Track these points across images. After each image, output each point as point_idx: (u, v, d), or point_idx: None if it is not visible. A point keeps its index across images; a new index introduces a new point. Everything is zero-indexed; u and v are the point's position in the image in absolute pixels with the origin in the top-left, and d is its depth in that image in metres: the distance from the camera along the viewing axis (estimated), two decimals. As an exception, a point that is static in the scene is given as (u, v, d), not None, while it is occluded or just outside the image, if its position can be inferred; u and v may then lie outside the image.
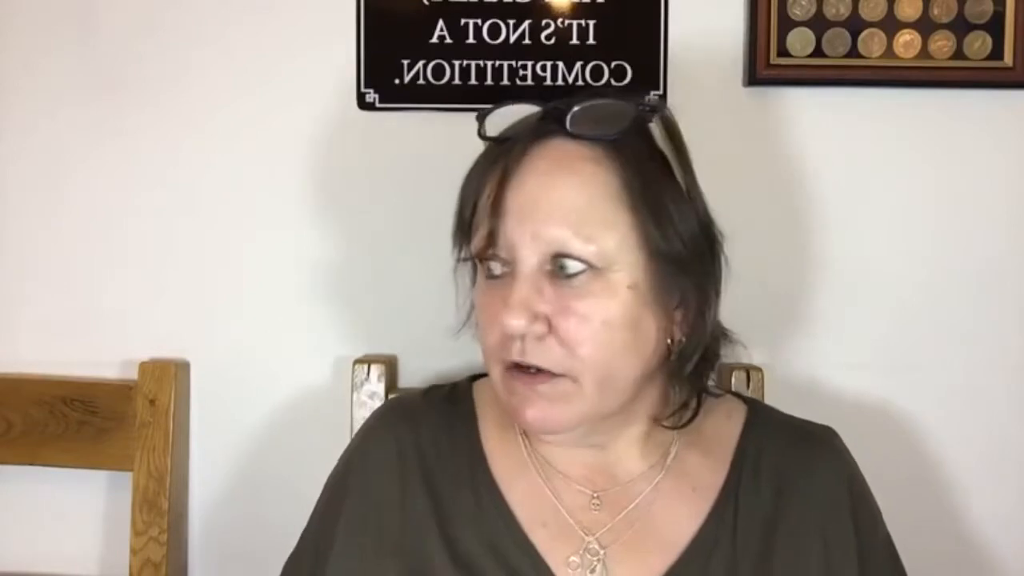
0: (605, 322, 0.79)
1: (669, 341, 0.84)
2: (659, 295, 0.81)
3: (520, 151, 0.82)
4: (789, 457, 0.89)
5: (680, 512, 0.85)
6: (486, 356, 0.85)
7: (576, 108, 0.81)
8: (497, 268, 0.82)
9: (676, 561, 0.83)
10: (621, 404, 0.83)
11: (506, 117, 0.86)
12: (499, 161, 0.82)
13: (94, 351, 1.25)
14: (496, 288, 0.82)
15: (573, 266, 0.79)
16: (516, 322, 0.78)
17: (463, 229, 0.86)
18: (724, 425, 0.91)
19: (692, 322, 0.84)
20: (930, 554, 1.19)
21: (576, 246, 0.78)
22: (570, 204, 0.79)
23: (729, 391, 1.01)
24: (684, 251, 0.82)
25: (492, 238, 0.81)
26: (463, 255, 0.88)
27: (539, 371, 0.80)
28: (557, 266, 0.79)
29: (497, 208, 0.80)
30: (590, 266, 0.79)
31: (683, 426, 0.87)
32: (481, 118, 0.86)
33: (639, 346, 0.81)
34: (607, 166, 0.80)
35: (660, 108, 0.85)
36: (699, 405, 0.87)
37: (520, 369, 0.81)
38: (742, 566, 0.83)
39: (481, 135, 0.86)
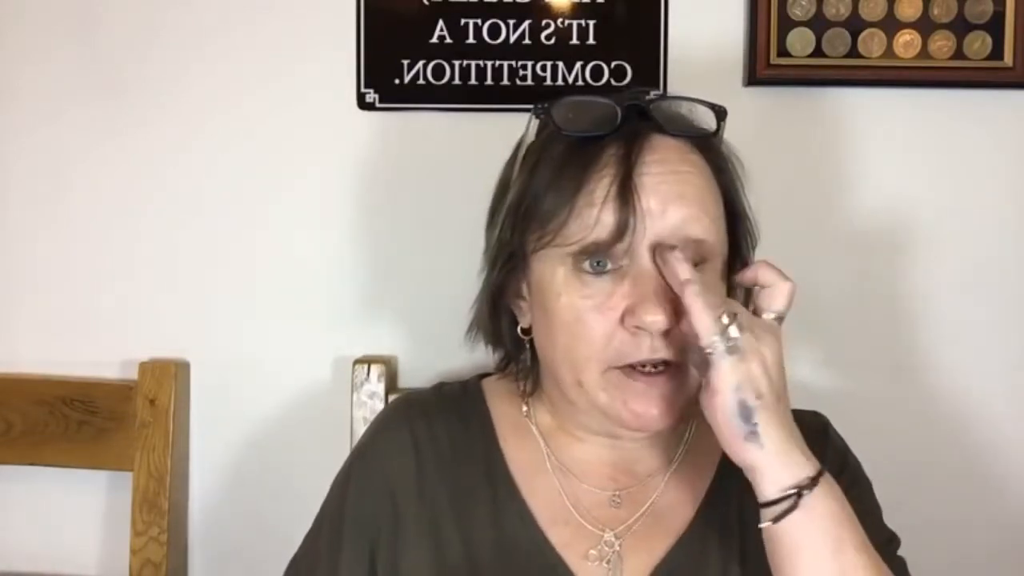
0: None
1: None
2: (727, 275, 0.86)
3: (629, 144, 0.80)
4: None
5: (685, 497, 0.88)
6: (578, 358, 0.80)
7: (661, 108, 0.83)
8: (607, 264, 0.79)
9: (675, 543, 0.85)
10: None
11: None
12: (602, 157, 0.80)
13: (94, 351, 1.25)
14: (603, 284, 0.79)
15: (693, 249, 0.79)
16: (659, 317, 0.76)
17: (551, 224, 0.81)
18: None
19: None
20: (929, 552, 1.19)
21: (702, 226, 0.80)
22: (693, 193, 0.81)
23: None
24: (748, 238, 0.88)
25: (624, 228, 0.78)
26: (535, 249, 0.83)
27: (661, 368, 0.80)
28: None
29: (626, 197, 0.78)
30: (704, 251, 0.80)
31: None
32: (545, 111, 0.84)
33: None
34: (703, 159, 0.84)
35: (724, 110, 0.86)
36: None
37: (638, 371, 0.80)
38: (736, 543, 0.85)
39: (562, 130, 0.83)
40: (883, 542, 0.87)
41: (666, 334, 0.78)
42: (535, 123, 0.86)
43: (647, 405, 0.80)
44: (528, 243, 0.83)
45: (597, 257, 0.79)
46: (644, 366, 0.80)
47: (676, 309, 0.78)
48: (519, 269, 0.86)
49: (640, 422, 0.80)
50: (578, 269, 0.80)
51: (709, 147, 0.85)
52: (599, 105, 0.83)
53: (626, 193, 0.78)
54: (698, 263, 0.80)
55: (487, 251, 0.90)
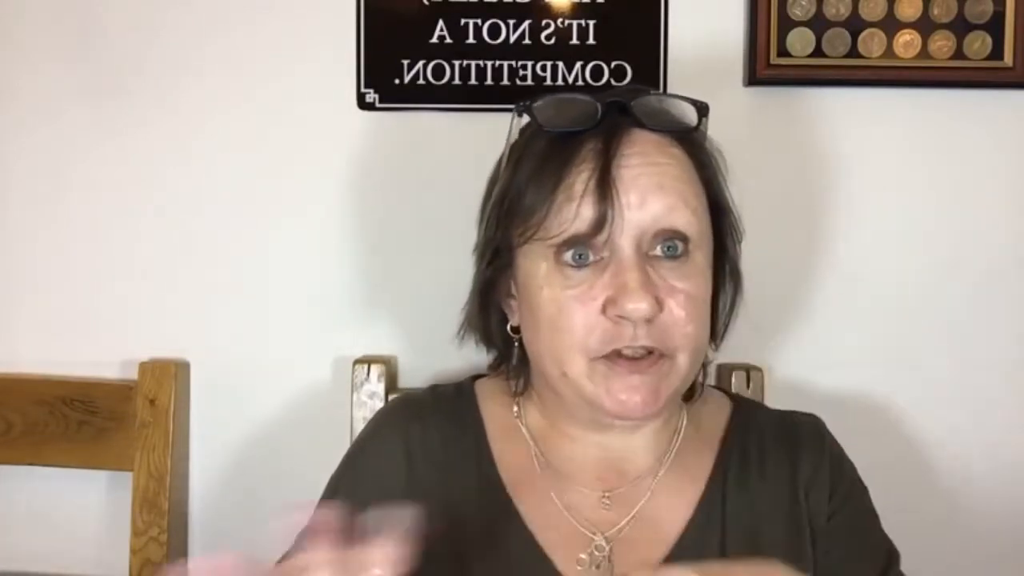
0: (703, 299, 0.83)
1: None
2: (716, 265, 0.87)
3: (608, 138, 0.81)
4: (774, 443, 0.90)
5: (678, 502, 0.87)
6: (562, 349, 0.81)
7: (641, 104, 0.83)
8: (589, 256, 0.80)
9: (671, 551, 0.84)
10: (692, 379, 0.86)
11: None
12: (581, 151, 0.81)
13: (94, 351, 1.25)
14: (585, 276, 0.80)
15: (677, 244, 0.81)
16: (641, 305, 0.77)
17: (533, 219, 0.82)
18: (714, 417, 0.93)
19: (724, 286, 0.89)
20: (928, 551, 1.20)
21: (683, 216, 0.81)
22: (672, 184, 0.81)
23: (713, 386, 1.01)
24: (733, 232, 0.89)
25: (603, 221, 0.79)
26: (519, 244, 0.84)
27: (645, 355, 0.80)
28: (663, 246, 0.81)
29: (604, 190, 0.79)
30: (688, 243, 0.81)
31: (690, 398, 0.91)
32: (527, 109, 0.85)
33: (709, 322, 0.86)
34: (684, 153, 0.84)
35: (706, 106, 0.87)
36: (704, 378, 0.92)
37: (622, 356, 0.80)
38: (732, 552, 0.84)
39: (544, 126, 0.84)
40: (884, 566, 0.88)
41: (648, 323, 0.79)
42: (518, 122, 0.87)
43: (630, 393, 0.80)
44: (512, 237, 0.84)
45: (578, 250, 0.80)
46: (627, 353, 0.80)
47: (658, 298, 0.79)
48: (507, 266, 0.87)
49: (623, 409, 0.80)
50: (560, 262, 0.81)
51: (690, 141, 0.86)
52: (580, 102, 0.84)
53: (604, 186, 0.79)
54: (678, 252, 0.81)
55: (476, 248, 0.91)
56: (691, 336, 0.81)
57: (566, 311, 0.80)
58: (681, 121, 0.85)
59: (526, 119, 0.87)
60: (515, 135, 0.88)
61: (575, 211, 0.80)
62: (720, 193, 0.87)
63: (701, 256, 0.83)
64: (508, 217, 0.85)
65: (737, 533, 0.85)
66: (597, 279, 0.80)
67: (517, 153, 0.86)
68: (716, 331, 0.90)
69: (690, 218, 0.81)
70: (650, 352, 0.80)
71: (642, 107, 0.84)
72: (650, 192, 0.80)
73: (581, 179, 0.80)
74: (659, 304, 0.79)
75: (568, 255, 0.81)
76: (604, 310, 0.79)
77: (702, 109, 0.86)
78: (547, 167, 0.82)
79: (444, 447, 0.89)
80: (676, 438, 0.90)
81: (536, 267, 0.83)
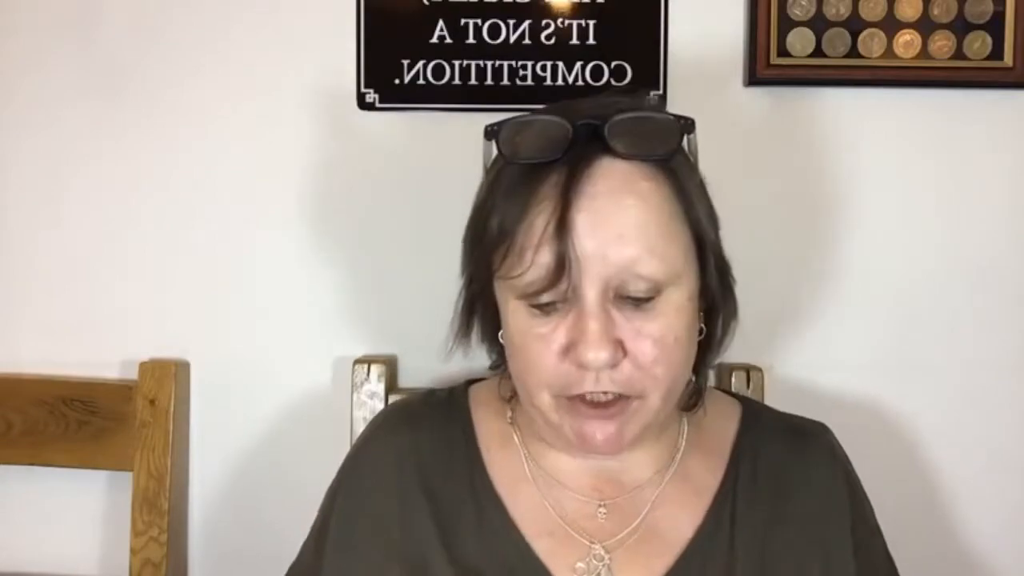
0: (677, 339, 0.79)
1: (700, 334, 0.85)
2: (700, 297, 0.83)
3: (571, 176, 0.77)
4: (785, 456, 0.89)
5: (682, 513, 0.86)
6: (529, 383, 0.80)
7: (616, 127, 0.78)
8: (548, 298, 0.77)
9: (675, 562, 0.83)
10: (673, 406, 0.84)
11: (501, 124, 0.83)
12: (543, 187, 0.77)
13: (94, 351, 1.25)
14: (551, 318, 0.78)
15: (643, 288, 0.76)
16: (601, 355, 0.75)
17: (496, 255, 0.79)
18: (721, 424, 0.91)
19: (717, 312, 0.86)
20: (927, 554, 1.20)
21: (648, 266, 0.76)
22: (636, 224, 0.76)
23: (721, 389, 1.00)
24: (720, 250, 0.84)
25: (561, 270, 0.75)
26: (484, 278, 0.83)
27: (612, 399, 0.78)
28: (625, 290, 0.77)
29: (562, 237, 0.75)
30: (657, 286, 0.77)
31: (692, 408, 0.88)
32: (494, 135, 0.81)
33: (693, 351, 0.83)
34: (661, 182, 0.79)
35: (691, 122, 0.82)
36: (704, 385, 0.89)
37: (585, 402, 0.79)
38: (740, 565, 0.83)
39: (507, 158, 0.80)
40: None
41: (613, 368, 0.77)
42: (488, 144, 0.83)
43: (594, 430, 0.79)
44: (482, 269, 0.82)
45: (537, 298, 0.78)
46: (590, 399, 0.78)
47: (623, 344, 0.77)
48: (486, 286, 0.85)
49: (588, 446, 0.80)
50: (528, 301, 0.79)
51: (668, 167, 0.80)
52: (549, 127, 0.79)
53: (562, 232, 0.75)
54: (644, 296, 0.77)
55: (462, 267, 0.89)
56: (660, 377, 0.78)
57: (530, 348, 0.79)
58: (659, 145, 0.79)
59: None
60: (490, 159, 0.85)
61: (531, 259, 0.76)
62: (699, 223, 0.81)
63: (678, 292, 0.79)
64: (477, 251, 0.83)
65: (746, 544, 0.84)
66: (561, 321, 0.77)
67: (490, 178, 0.83)
68: (707, 360, 0.87)
69: (657, 265, 0.76)
70: (619, 395, 0.78)
71: (617, 130, 0.78)
72: (610, 243, 0.76)
73: (541, 220, 0.76)
74: (623, 350, 0.77)
75: (531, 299, 0.78)
76: (567, 352, 0.77)
77: (686, 126, 0.81)
78: (510, 207, 0.79)
79: (437, 454, 0.89)
80: (679, 444, 0.89)
81: (505, 298, 0.81)
